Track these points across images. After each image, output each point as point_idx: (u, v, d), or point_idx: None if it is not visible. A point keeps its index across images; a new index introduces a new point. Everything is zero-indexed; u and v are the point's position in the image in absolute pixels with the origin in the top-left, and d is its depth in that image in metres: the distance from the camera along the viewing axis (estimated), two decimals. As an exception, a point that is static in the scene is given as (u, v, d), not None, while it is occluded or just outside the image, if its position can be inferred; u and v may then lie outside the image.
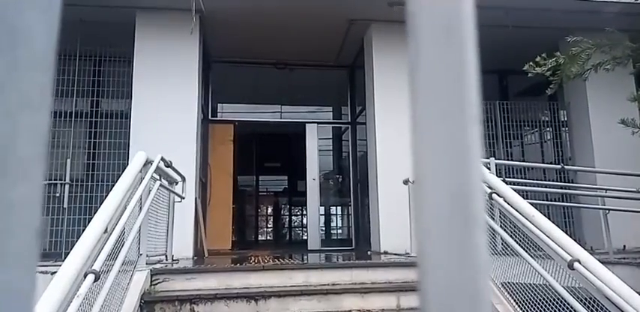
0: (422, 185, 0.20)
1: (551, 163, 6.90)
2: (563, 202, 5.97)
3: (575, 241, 2.64)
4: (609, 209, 5.19)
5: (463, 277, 0.19)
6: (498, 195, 3.16)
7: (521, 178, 5.98)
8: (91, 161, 5.70)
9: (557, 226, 2.83)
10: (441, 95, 0.20)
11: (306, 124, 7.36)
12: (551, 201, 5.83)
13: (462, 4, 0.20)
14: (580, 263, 2.38)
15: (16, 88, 0.17)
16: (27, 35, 0.18)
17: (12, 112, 0.17)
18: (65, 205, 5.33)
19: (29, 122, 0.17)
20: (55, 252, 5.03)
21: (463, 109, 0.19)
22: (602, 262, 2.42)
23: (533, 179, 6.13)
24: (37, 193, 0.18)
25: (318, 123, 7.53)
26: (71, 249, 2.16)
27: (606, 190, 5.38)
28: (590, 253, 2.53)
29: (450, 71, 0.20)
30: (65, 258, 2.08)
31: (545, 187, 5.78)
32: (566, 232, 3.38)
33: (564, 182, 6.22)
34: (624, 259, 4.94)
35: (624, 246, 5.56)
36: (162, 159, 3.72)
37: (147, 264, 3.44)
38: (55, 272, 1.95)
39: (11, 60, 0.17)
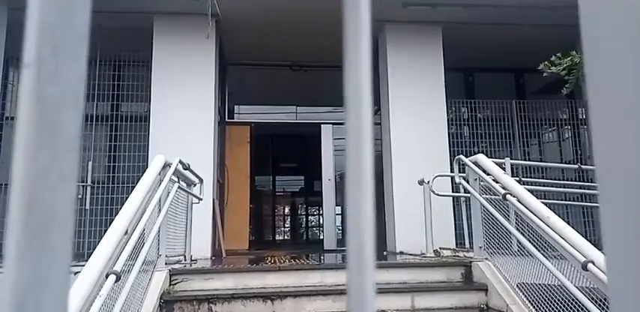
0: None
1: (569, 162, 6.81)
2: (581, 201, 5.89)
3: (593, 241, 2.63)
4: (629, 209, 5.11)
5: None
6: (512, 195, 3.16)
7: (539, 178, 5.92)
8: (111, 164, 5.83)
9: (576, 226, 2.82)
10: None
11: (322, 125, 7.39)
12: (569, 201, 5.76)
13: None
14: (594, 264, 2.37)
15: (56, 168, 0.22)
16: (63, 126, 0.23)
17: (52, 185, 0.22)
18: (87, 207, 5.47)
19: (65, 191, 0.22)
20: (78, 252, 5.17)
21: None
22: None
23: (552, 179, 6.06)
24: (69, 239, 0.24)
25: (334, 123, 7.55)
26: (94, 249, 2.24)
27: (626, 189, 5.28)
28: (606, 254, 2.50)
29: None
30: (88, 258, 2.16)
31: (563, 186, 5.71)
32: (585, 232, 3.35)
33: (583, 181, 6.13)
34: (644, 259, 4.86)
35: (645, 246, 5.46)
36: (181, 162, 3.80)
37: (166, 264, 3.53)
38: (79, 272, 2.03)
39: (51, 147, 0.22)
